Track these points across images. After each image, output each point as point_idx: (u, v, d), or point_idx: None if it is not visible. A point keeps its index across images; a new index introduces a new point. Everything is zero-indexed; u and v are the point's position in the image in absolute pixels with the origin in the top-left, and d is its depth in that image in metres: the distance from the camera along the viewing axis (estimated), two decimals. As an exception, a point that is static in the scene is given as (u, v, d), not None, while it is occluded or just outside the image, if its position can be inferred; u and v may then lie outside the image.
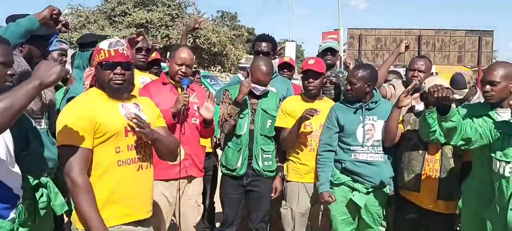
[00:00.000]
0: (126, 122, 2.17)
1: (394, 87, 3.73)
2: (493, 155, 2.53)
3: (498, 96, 2.67)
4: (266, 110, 3.38)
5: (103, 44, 2.18)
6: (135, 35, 3.22)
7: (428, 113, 2.68)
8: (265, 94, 3.41)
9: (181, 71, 3.07)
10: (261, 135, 3.34)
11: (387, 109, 3.13)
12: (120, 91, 2.20)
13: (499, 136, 2.54)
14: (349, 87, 3.20)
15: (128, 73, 2.21)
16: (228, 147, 3.39)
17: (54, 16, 2.40)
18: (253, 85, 3.29)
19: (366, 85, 3.15)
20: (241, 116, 3.32)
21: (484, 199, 2.71)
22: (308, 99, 3.39)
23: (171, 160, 2.56)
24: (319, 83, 3.37)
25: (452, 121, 2.51)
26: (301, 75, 3.45)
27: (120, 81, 2.17)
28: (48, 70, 1.70)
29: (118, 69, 2.16)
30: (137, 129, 2.15)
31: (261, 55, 3.86)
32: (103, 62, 2.15)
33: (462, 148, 2.68)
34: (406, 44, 3.85)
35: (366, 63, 3.71)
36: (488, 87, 2.66)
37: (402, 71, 5.10)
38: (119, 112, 2.19)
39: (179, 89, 3.09)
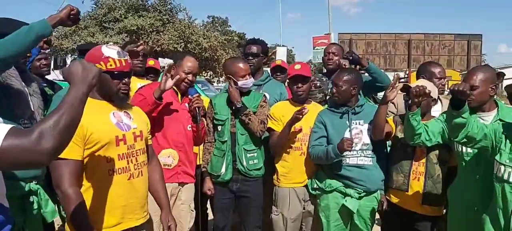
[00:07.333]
0: (117, 131, 2.16)
1: (394, 105, 3.55)
2: (497, 158, 2.45)
3: (478, 100, 2.70)
4: None
5: (111, 53, 2.12)
6: (135, 47, 3.33)
7: (412, 116, 2.68)
8: (247, 93, 3.40)
9: (187, 79, 3.14)
10: (241, 135, 3.32)
11: (372, 112, 3.13)
12: (125, 100, 2.26)
13: (505, 139, 2.45)
14: (334, 90, 3.21)
15: (129, 82, 2.26)
16: (214, 154, 3.38)
17: (72, 16, 2.41)
18: (241, 83, 3.29)
19: (352, 88, 3.16)
20: (221, 122, 3.34)
21: (470, 203, 2.72)
22: (297, 104, 3.37)
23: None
24: (308, 88, 3.40)
25: (463, 117, 2.44)
26: (288, 80, 3.45)
27: (126, 91, 2.22)
28: (88, 72, 1.57)
29: (127, 80, 2.20)
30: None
31: (250, 57, 3.87)
32: (115, 72, 2.13)
33: (464, 146, 2.66)
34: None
35: (351, 68, 3.72)
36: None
37: (390, 76, 5.08)
38: (110, 121, 2.16)
39: (179, 96, 3.17)
